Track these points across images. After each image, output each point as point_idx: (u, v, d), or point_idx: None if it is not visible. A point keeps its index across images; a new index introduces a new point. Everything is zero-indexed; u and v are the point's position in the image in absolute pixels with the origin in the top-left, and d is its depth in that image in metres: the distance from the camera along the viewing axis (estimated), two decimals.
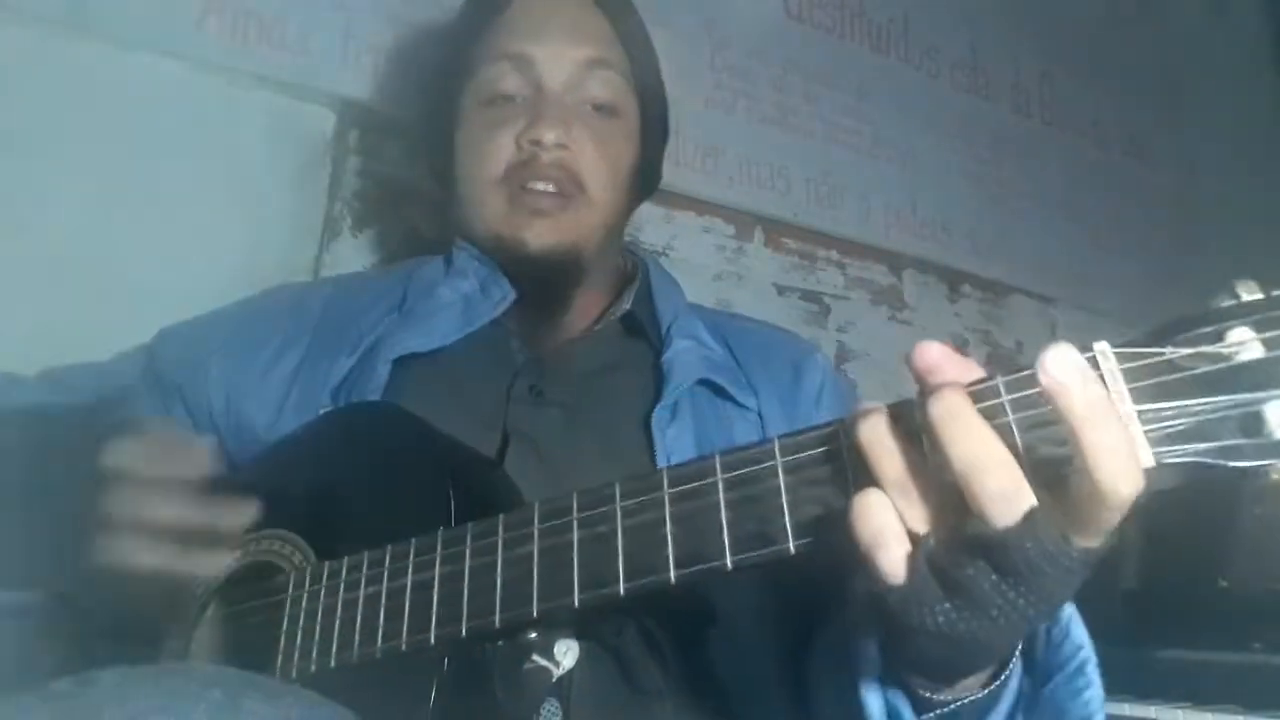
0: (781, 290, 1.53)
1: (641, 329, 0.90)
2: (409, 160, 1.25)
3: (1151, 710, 1.12)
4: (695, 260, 1.44)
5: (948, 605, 0.44)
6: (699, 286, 1.39)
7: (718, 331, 0.92)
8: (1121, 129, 2.01)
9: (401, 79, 1.25)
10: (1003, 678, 0.53)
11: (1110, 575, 1.74)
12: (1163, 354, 0.42)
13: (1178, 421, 0.41)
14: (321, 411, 0.80)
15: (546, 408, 0.82)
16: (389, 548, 0.63)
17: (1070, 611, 0.55)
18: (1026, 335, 1.77)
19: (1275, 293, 0.41)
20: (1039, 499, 0.42)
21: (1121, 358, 0.43)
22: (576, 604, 0.54)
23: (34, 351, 0.96)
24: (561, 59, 0.89)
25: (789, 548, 0.49)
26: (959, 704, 0.54)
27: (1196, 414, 0.41)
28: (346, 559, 0.65)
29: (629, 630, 0.71)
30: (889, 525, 0.45)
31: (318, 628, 0.65)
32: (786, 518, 0.49)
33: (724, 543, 0.50)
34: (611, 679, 0.70)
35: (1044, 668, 0.56)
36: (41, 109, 1.04)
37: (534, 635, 0.60)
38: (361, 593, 0.63)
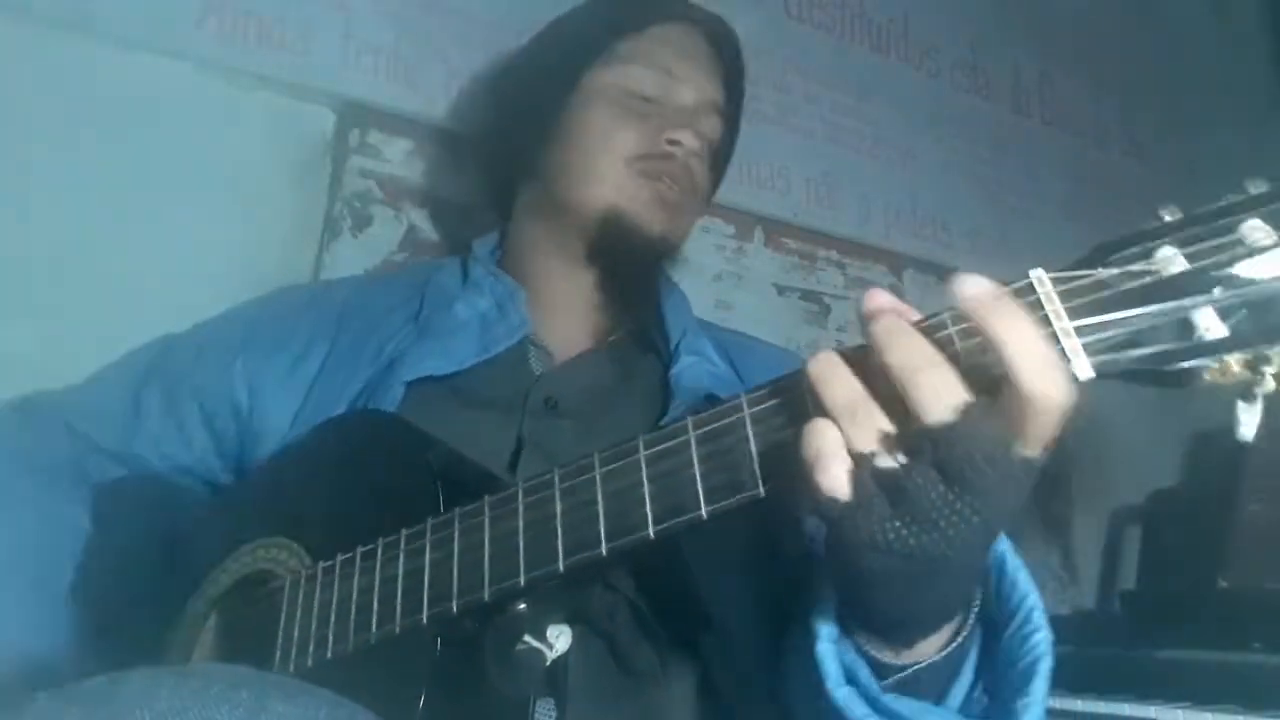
0: (781, 290, 1.53)
1: (652, 344, 0.93)
2: (409, 160, 1.25)
3: (1151, 710, 1.12)
4: (695, 260, 1.43)
5: (897, 523, 0.46)
6: (699, 286, 1.40)
7: (723, 348, 0.94)
8: (1121, 129, 2.01)
9: (402, 79, 1.25)
10: (959, 639, 0.55)
11: (1110, 575, 1.74)
12: (1095, 275, 0.45)
13: (1113, 333, 0.44)
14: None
15: (560, 419, 0.84)
16: (380, 540, 0.64)
17: (1016, 563, 0.58)
18: None
19: (1194, 212, 0.45)
20: (977, 402, 0.45)
21: (1057, 281, 0.46)
22: (562, 569, 0.56)
23: (34, 351, 0.97)
24: (701, 92, 0.96)
25: (759, 491, 0.51)
26: (917, 668, 0.55)
27: (1130, 325, 0.44)
28: (340, 557, 0.66)
29: (621, 613, 0.72)
30: (829, 443, 0.47)
31: (314, 622, 0.66)
32: (755, 463, 0.51)
33: (698, 493, 0.53)
34: (605, 663, 0.71)
35: (995, 620, 0.58)
36: (41, 109, 1.04)
37: (523, 606, 0.61)
38: (355, 584, 0.64)
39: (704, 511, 0.53)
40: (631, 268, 0.93)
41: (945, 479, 0.45)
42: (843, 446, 0.47)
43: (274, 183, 1.17)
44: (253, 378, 0.87)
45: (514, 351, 0.88)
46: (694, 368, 0.88)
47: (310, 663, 0.65)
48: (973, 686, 0.57)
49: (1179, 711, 1.09)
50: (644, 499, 0.54)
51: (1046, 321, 0.46)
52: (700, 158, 0.94)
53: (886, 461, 0.46)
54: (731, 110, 1.02)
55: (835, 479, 0.47)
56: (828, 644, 0.56)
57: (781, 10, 1.61)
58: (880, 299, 0.50)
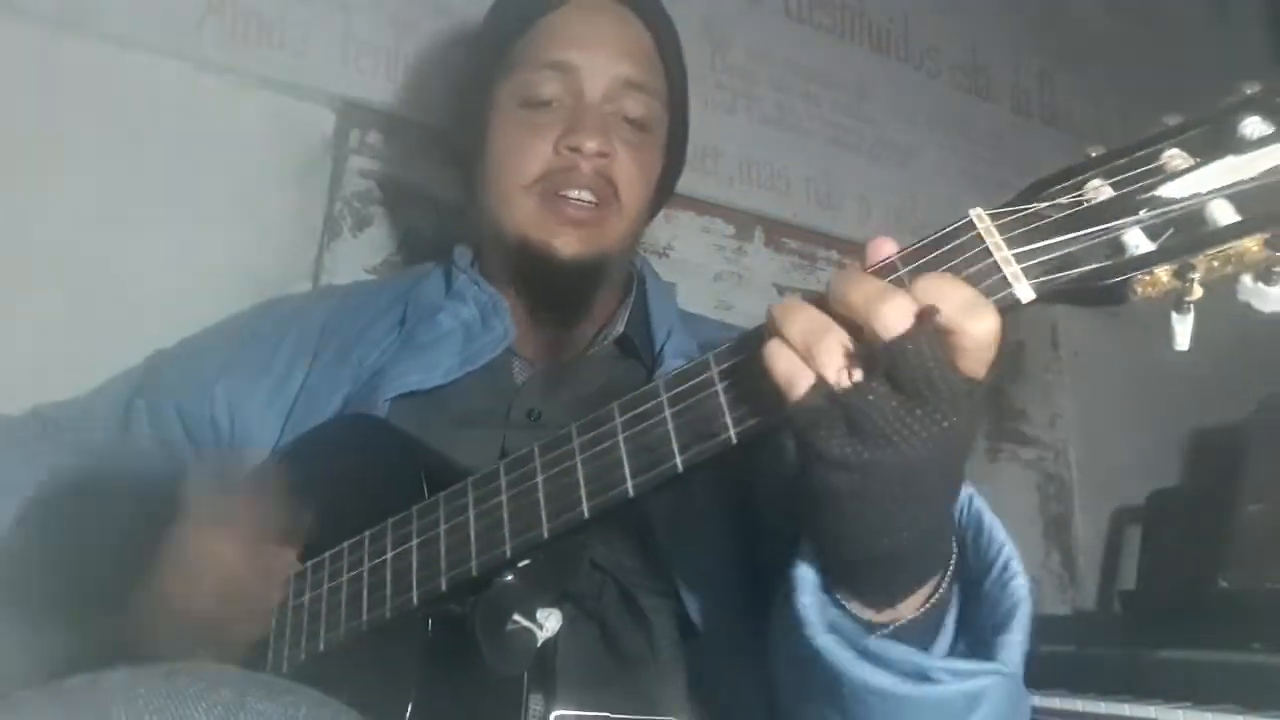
0: (782, 290, 1.53)
1: (635, 350, 0.91)
2: (409, 160, 1.25)
3: (1151, 710, 1.12)
4: (695, 260, 1.44)
5: (854, 438, 0.48)
6: (699, 286, 1.40)
7: (709, 346, 0.92)
8: (1121, 129, 2.00)
9: (402, 79, 1.25)
10: (939, 593, 0.56)
11: (1110, 575, 1.74)
12: (1030, 208, 0.50)
13: (1049, 256, 0.48)
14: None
15: (544, 431, 0.83)
16: (367, 533, 0.65)
17: (991, 518, 0.59)
18: (1027, 335, 1.78)
19: (1116, 147, 0.49)
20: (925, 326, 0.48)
21: (995, 216, 0.51)
22: (546, 534, 0.58)
23: (34, 351, 0.97)
24: (604, 72, 0.89)
25: (730, 437, 0.54)
26: (898, 625, 0.55)
27: (1065, 248, 0.48)
28: (328, 554, 0.67)
29: (609, 594, 0.72)
30: (792, 362, 0.50)
31: (305, 616, 0.66)
32: (725, 412, 0.54)
33: (673, 448, 0.55)
34: (594, 644, 0.71)
35: (975, 571, 0.58)
36: (41, 109, 1.04)
37: (510, 578, 0.62)
38: (345, 576, 0.65)
39: (679, 463, 0.55)
40: (559, 292, 0.89)
41: (897, 395, 0.47)
42: (805, 365, 0.50)
43: (274, 183, 1.17)
44: (233, 401, 0.87)
45: (497, 362, 0.87)
46: None
47: (304, 656, 0.65)
48: (955, 641, 0.58)
49: (1179, 711, 1.09)
50: (621, 459, 0.56)
51: (988, 252, 0.50)
52: (614, 153, 0.87)
53: (844, 381, 0.49)
54: (659, 77, 0.93)
55: (802, 388, 0.49)
56: (809, 596, 0.56)
57: (781, 10, 1.61)
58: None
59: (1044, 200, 0.50)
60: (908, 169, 1.69)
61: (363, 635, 0.63)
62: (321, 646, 0.64)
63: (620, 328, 0.92)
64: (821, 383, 0.49)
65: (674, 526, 0.75)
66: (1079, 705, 1.20)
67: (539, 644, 0.63)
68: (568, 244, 0.85)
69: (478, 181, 0.93)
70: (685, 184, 1.05)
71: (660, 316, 0.93)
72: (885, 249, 0.54)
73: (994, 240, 0.50)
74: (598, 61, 0.89)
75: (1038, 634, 0.57)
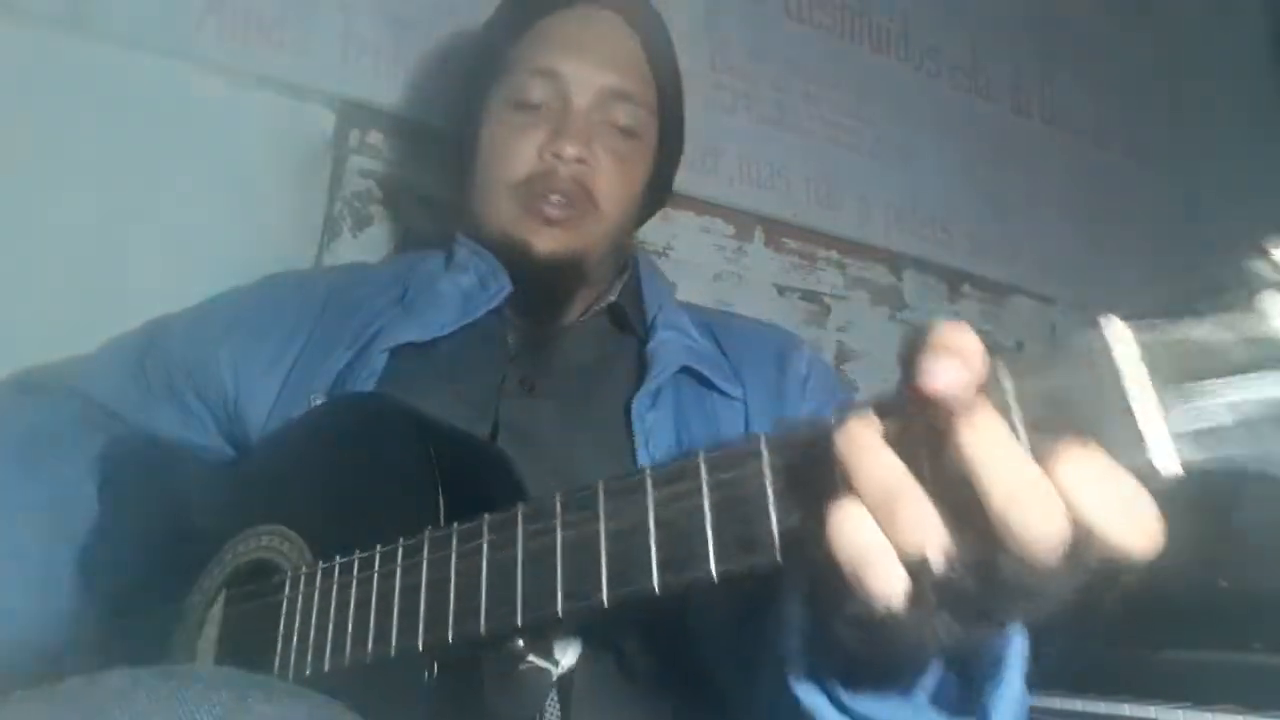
0: (781, 290, 1.53)
1: (627, 321, 0.92)
2: (409, 160, 1.25)
3: (1151, 710, 1.12)
4: (695, 260, 1.44)
5: (946, 616, 0.39)
6: (699, 286, 1.40)
7: (704, 325, 0.93)
8: (1121, 129, 2.01)
9: (402, 79, 1.25)
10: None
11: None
12: (1184, 329, 0.33)
13: (1209, 424, 0.32)
14: (313, 403, 0.80)
15: (537, 400, 0.84)
16: (378, 549, 0.63)
17: None
18: (1027, 335, 1.77)
19: None
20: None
21: (1144, 345, 0.34)
22: (560, 615, 0.53)
23: (34, 351, 0.96)
24: (590, 82, 0.90)
25: (776, 556, 0.44)
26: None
27: (1230, 399, 0.32)
28: (338, 560, 0.66)
29: (627, 624, 0.71)
30: (874, 542, 0.38)
31: (312, 631, 0.65)
32: (775, 531, 0.44)
33: (708, 551, 0.47)
34: (611, 675, 0.70)
35: None
36: (42, 109, 1.04)
37: (521, 643, 0.59)
38: (353, 595, 0.64)
39: (714, 574, 0.46)
40: (540, 287, 0.91)
41: (1000, 590, 0.37)
42: (887, 544, 0.38)
43: (274, 182, 1.17)
44: (238, 365, 0.87)
45: (491, 322, 0.88)
46: (671, 342, 0.87)
47: (309, 672, 0.64)
48: (944, 671, 0.52)
49: (1179, 711, 1.09)
50: (649, 549, 0.49)
51: (1128, 406, 0.34)
52: (596, 160, 0.89)
53: (942, 568, 0.37)
54: (648, 86, 0.95)
55: (888, 583, 0.37)
56: (795, 669, 0.51)
57: (781, 10, 1.61)
58: (963, 339, 0.37)
59: (1202, 316, 0.33)
60: (908, 169, 1.69)
61: (367, 665, 0.62)
62: (327, 667, 0.64)
63: (613, 297, 0.94)
64: (917, 578, 0.37)
65: None
66: (1079, 705, 1.20)
67: (554, 680, 0.61)
68: (544, 241, 0.87)
69: (467, 178, 0.95)
70: (685, 184, 1.05)
71: (652, 293, 0.95)
72: (967, 343, 0.37)
73: (1139, 384, 0.34)
74: (585, 71, 0.90)
75: (1038, 634, 0.55)
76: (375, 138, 1.24)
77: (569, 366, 0.88)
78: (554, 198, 0.88)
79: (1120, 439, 0.34)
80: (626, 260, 1.00)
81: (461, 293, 0.89)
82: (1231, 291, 0.33)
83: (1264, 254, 0.34)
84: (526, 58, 0.92)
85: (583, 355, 0.90)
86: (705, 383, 0.86)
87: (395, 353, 0.83)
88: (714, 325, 0.94)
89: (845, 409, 0.42)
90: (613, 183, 0.91)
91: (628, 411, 0.82)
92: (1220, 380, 0.32)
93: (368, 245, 1.21)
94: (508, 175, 0.89)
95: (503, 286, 0.89)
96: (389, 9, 1.25)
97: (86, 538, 0.76)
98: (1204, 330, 0.33)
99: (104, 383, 0.89)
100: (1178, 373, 0.33)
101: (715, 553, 0.47)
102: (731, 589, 0.55)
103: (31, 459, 0.78)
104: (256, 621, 0.70)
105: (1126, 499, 0.34)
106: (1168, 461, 0.33)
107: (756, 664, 0.63)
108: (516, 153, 0.89)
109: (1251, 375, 0.32)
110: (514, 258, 0.89)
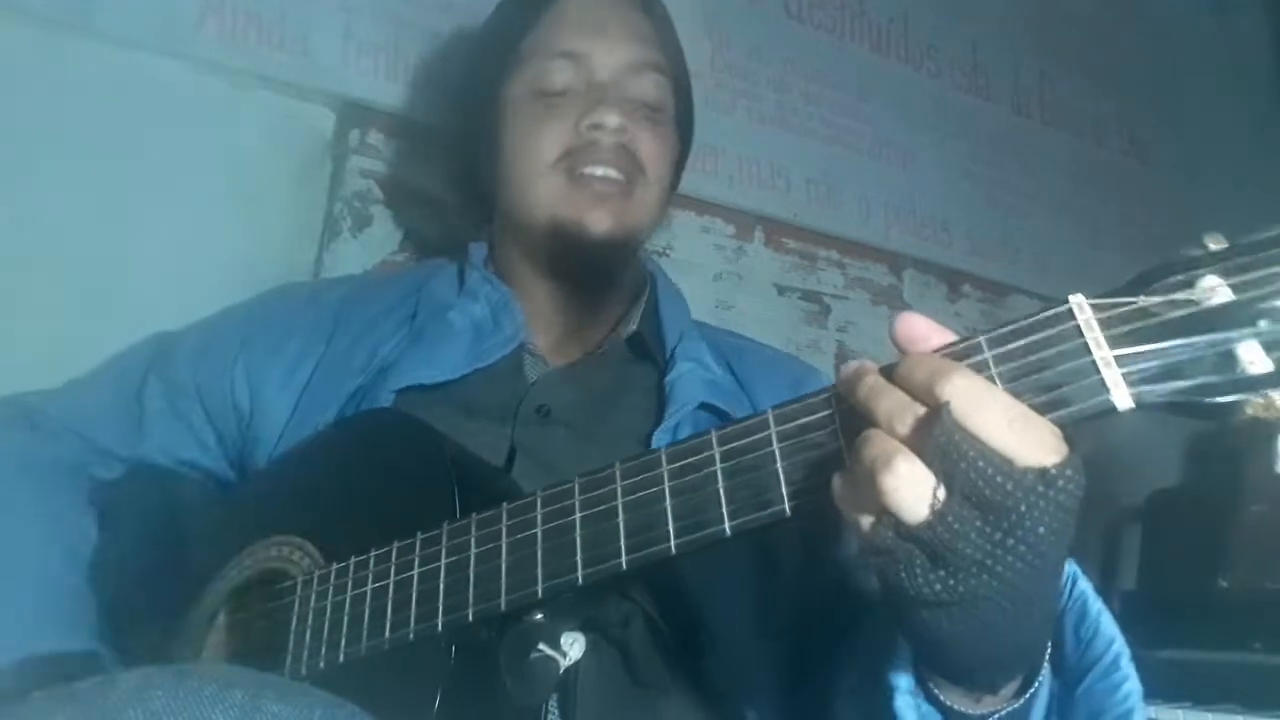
0: (781, 290, 1.53)
1: (647, 350, 0.90)
2: (409, 160, 1.25)
3: (1151, 710, 1.12)
4: (695, 260, 1.44)
5: (942, 572, 0.44)
6: (699, 286, 1.40)
7: (720, 352, 0.92)
8: (1121, 129, 2.01)
9: (402, 79, 1.25)
10: (1034, 687, 0.53)
11: (1110, 575, 1.74)
12: (1136, 302, 0.45)
13: (1154, 363, 0.43)
14: (327, 423, 0.81)
15: (553, 427, 0.82)
16: (395, 544, 0.64)
17: (1099, 607, 0.56)
18: None
19: (1240, 241, 0.44)
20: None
21: (1097, 308, 0.46)
22: (580, 580, 0.56)
23: (33, 350, 0.96)
24: (615, 56, 0.90)
25: (785, 509, 0.50)
26: (995, 716, 0.53)
27: (1171, 356, 0.43)
28: (353, 558, 0.66)
29: (635, 623, 0.71)
30: (894, 447, 0.45)
31: (326, 625, 0.65)
32: (782, 482, 0.51)
33: (722, 511, 0.52)
34: (617, 672, 0.70)
35: (1076, 668, 0.55)
36: (41, 109, 1.04)
37: (540, 617, 0.60)
38: (369, 587, 0.64)
39: (728, 528, 0.52)
40: (589, 274, 0.90)
41: (980, 513, 0.43)
42: (906, 448, 0.45)
43: (274, 183, 1.17)
44: (253, 380, 0.87)
45: (509, 359, 0.86)
46: (689, 375, 0.86)
47: (322, 665, 0.64)
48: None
49: (1179, 711, 1.09)
50: (665, 512, 0.54)
51: (1085, 349, 0.45)
52: (634, 130, 0.88)
53: (916, 514, 0.43)
54: (667, 59, 0.95)
55: (911, 479, 0.44)
56: (906, 696, 0.53)
57: (781, 10, 1.61)
58: (918, 327, 0.49)
59: (1152, 294, 0.44)
60: (908, 169, 1.69)
61: (383, 652, 0.62)
62: (341, 658, 0.64)
63: (633, 326, 0.92)
64: (888, 517, 0.44)
65: (705, 560, 0.75)
66: None
67: (561, 671, 0.62)
68: (599, 221, 0.86)
69: (493, 177, 0.93)
70: (685, 184, 1.05)
71: (672, 319, 0.93)
72: (917, 327, 0.49)
73: (1094, 336, 0.45)
74: (607, 45, 0.90)
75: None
76: (375, 138, 1.24)
77: (585, 394, 0.86)
78: (600, 171, 0.86)
79: (1085, 385, 0.44)
80: (644, 279, 0.98)
81: (473, 326, 0.87)
82: (1176, 273, 0.45)
83: (1203, 245, 0.45)
84: (543, 44, 0.90)
85: (600, 384, 0.88)
86: (723, 417, 0.84)
87: (404, 390, 0.82)
88: (730, 353, 0.93)
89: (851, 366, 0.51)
90: (654, 150, 0.90)
91: (647, 443, 0.81)
92: (1165, 343, 0.43)
93: (368, 245, 1.21)
94: (544, 155, 0.87)
95: (517, 329, 0.87)
96: (389, 9, 1.25)
97: (89, 570, 0.77)
98: (1152, 303, 0.44)
99: (101, 422, 0.88)
100: (1131, 335, 0.44)
101: (729, 510, 0.52)
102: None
103: (24, 488, 0.79)
104: (265, 623, 0.70)
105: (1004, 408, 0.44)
106: (1123, 400, 0.44)
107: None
108: (550, 133, 0.87)
109: (1191, 337, 0.43)
110: (566, 243, 0.87)
